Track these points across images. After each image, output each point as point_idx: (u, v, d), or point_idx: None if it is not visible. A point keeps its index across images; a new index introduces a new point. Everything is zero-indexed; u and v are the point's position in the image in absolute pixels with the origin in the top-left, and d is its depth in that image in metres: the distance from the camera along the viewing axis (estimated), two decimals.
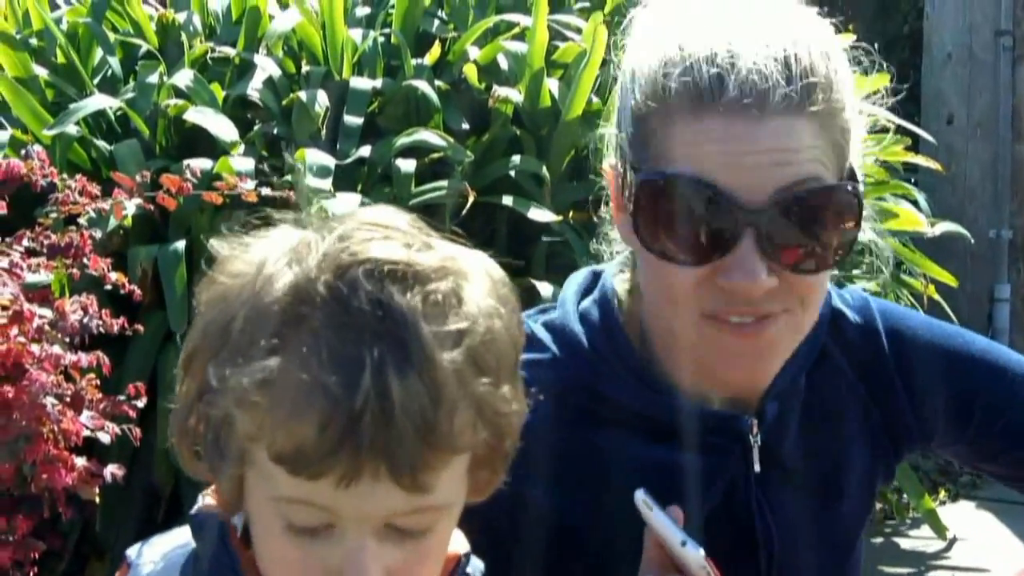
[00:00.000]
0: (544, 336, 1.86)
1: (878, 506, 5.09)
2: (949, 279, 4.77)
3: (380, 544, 1.31)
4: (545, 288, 3.85)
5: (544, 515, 1.82)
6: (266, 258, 1.32)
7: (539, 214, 4.12)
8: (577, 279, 1.93)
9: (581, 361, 1.83)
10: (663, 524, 1.64)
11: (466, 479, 1.38)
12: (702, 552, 1.61)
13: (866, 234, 1.84)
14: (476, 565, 1.53)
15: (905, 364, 1.94)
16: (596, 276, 1.91)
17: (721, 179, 1.65)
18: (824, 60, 1.69)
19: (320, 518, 1.30)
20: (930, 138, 5.72)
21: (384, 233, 1.32)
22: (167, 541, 1.48)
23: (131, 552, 1.48)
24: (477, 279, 1.34)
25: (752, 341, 1.71)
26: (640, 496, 1.65)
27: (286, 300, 1.28)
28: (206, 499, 1.44)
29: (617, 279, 1.88)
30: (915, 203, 4.77)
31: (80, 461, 2.79)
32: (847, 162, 1.72)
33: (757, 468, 1.83)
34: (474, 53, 4.63)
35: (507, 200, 4.19)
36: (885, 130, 4.91)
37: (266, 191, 3.53)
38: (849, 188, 1.70)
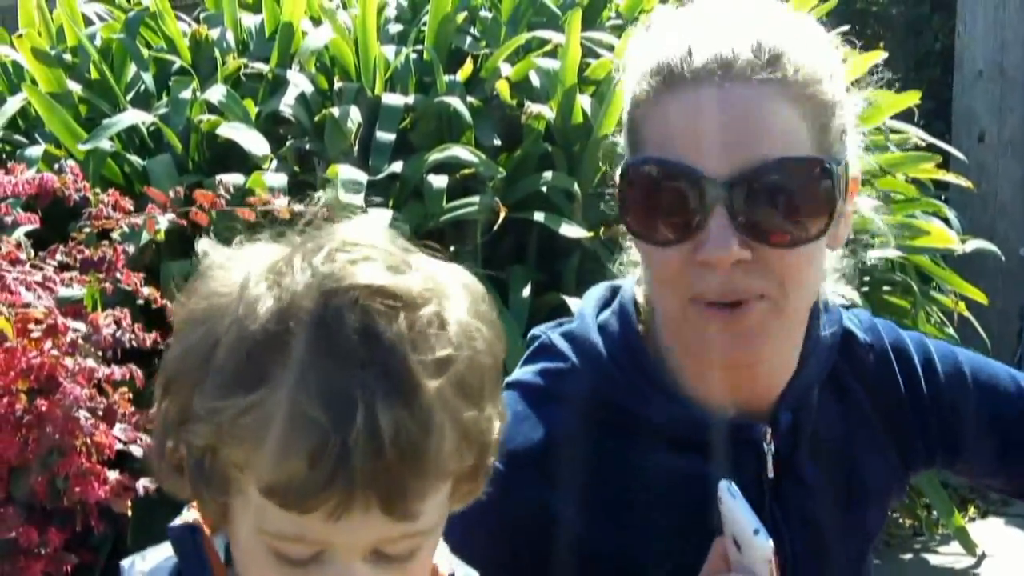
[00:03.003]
0: (563, 346, 1.86)
1: (908, 522, 5.08)
2: (979, 296, 4.76)
3: (368, 569, 1.31)
4: (576, 303, 3.82)
5: (567, 526, 1.83)
6: (247, 279, 1.30)
7: (570, 230, 4.13)
8: (596, 293, 1.94)
9: (600, 371, 1.84)
10: (742, 512, 1.64)
11: (447, 500, 1.37)
12: (771, 544, 1.62)
13: (859, 210, 1.86)
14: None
15: (915, 384, 1.96)
16: (615, 290, 1.92)
17: (691, 156, 1.66)
18: (799, 40, 1.70)
19: (309, 549, 1.29)
20: (961, 156, 5.70)
21: (366, 253, 1.30)
22: (159, 553, 1.46)
23: (124, 563, 1.47)
24: (458, 298, 1.33)
25: (733, 328, 1.71)
26: (724, 485, 1.66)
27: (270, 328, 1.26)
28: (188, 512, 1.42)
29: (635, 292, 1.89)
30: (946, 220, 4.76)
31: (113, 474, 2.79)
32: (833, 148, 1.72)
33: (771, 474, 1.84)
34: (506, 70, 4.64)
35: (538, 216, 4.20)
36: (916, 148, 4.93)
37: (299, 207, 3.55)
38: (822, 162, 1.69)
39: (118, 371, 2.93)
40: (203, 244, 1.37)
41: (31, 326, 2.87)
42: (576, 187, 4.27)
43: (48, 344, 2.85)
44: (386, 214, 3.91)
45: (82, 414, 2.76)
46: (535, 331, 1.92)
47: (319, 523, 1.26)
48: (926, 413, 1.97)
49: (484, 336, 1.32)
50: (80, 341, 2.89)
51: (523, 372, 1.89)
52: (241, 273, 1.31)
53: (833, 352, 1.89)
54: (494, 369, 1.35)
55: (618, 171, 1.77)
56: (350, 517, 1.26)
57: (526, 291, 4.04)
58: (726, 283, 1.69)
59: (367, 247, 1.31)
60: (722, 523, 1.68)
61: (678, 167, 1.67)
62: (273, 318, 1.26)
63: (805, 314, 1.82)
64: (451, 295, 1.32)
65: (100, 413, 2.78)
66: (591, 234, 4.15)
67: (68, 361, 2.83)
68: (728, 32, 1.70)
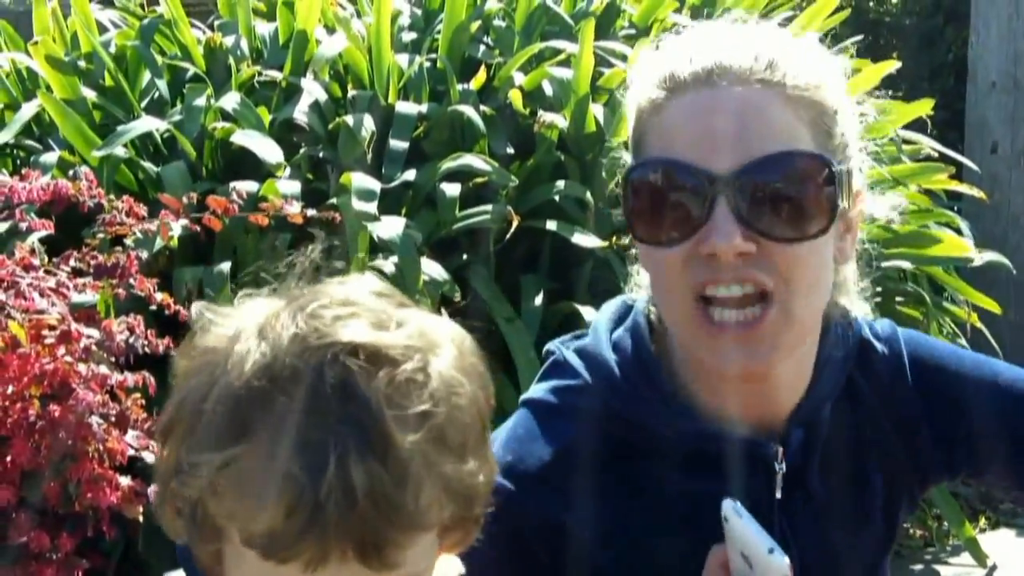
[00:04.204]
0: (576, 363, 1.87)
1: (918, 533, 5.07)
2: (992, 306, 4.75)
3: None
4: (588, 312, 3.86)
5: (577, 543, 1.83)
6: (238, 334, 1.34)
7: (583, 239, 4.13)
8: (610, 308, 1.94)
9: (612, 389, 1.84)
10: (752, 531, 1.64)
11: (436, 545, 1.39)
12: (787, 561, 1.62)
13: (872, 207, 1.86)
14: None
15: (930, 395, 1.95)
16: (629, 307, 1.92)
17: (692, 154, 1.68)
18: (796, 51, 1.73)
19: None
20: (974, 166, 5.70)
21: (352, 311, 1.33)
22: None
23: None
24: (444, 353, 1.35)
25: (747, 337, 1.71)
26: (729, 504, 1.66)
27: (254, 383, 1.29)
28: None
29: (648, 310, 1.89)
30: (958, 231, 4.75)
31: (124, 480, 2.80)
32: (835, 153, 1.73)
33: (779, 495, 1.84)
34: (519, 79, 4.64)
35: (551, 225, 4.20)
36: (929, 158, 4.92)
37: (312, 212, 3.56)
38: (823, 159, 1.71)
39: (131, 377, 2.93)
40: (198, 306, 1.41)
41: (45, 332, 2.88)
42: (589, 196, 4.27)
43: (61, 350, 2.86)
44: (399, 222, 3.91)
45: (95, 420, 2.77)
46: (550, 346, 1.93)
47: (298, 573, 1.29)
48: (944, 423, 1.95)
49: (467, 390, 1.35)
50: (93, 347, 2.90)
51: (536, 389, 1.89)
52: (233, 328, 1.35)
53: (846, 368, 1.89)
54: (478, 422, 1.37)
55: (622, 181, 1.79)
56: (326, 567, 1.28)
57: (538, 299, 4.05)
58: (731, 273, 1.70)
59: (354, 304, 1.34)
60: (726, 540, 1.69)
61: (679, 165, 1.69)
62: (258, 373, 1.29)
63: (814, 327, 1.82)
64: (437, 350, 1.35)
65: (112, 419, 2.79)
66: (604, 243, 4.15)
67: (81, 367, 2.84)
68: (728, 43, 1.73)
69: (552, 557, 1.82)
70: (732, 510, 1.66)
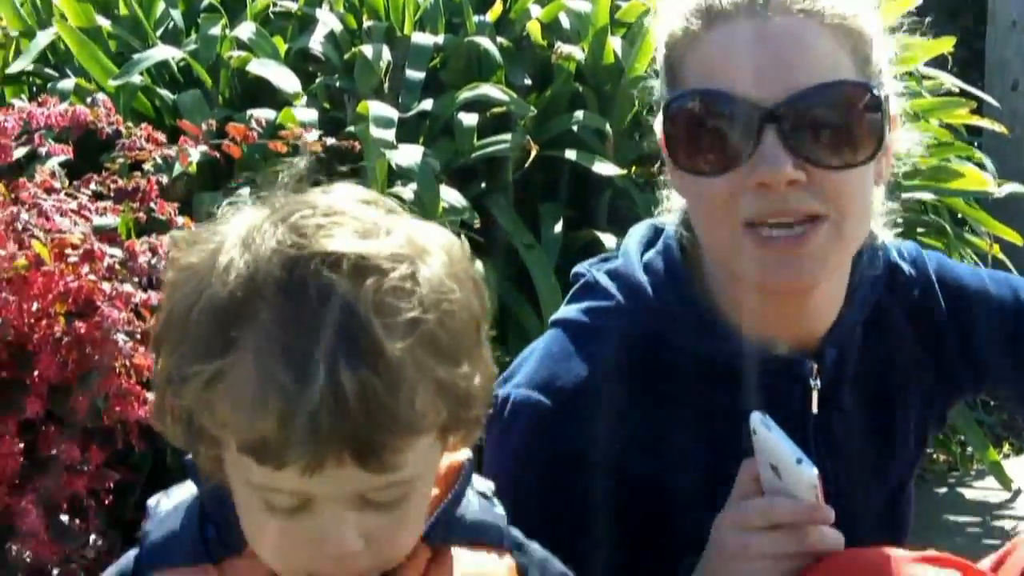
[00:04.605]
0: (608, 284, 1.88)
1: (942, 458, 5.09)
2: (1014, 237, 4.76)
3: (357, 513, 1.34)
4: (609, 239, 3.86)
5: (611, 461, 1.84)
6: (221, 245, 1.34)
7: (603, 167, 4.10)
8: (639, 232, 1.96)
9: (645, 309, 1.85)
10: (780, 443, 1.65)
11: (437, 447, 1.40)
12: (815, 472, 1.63)
13: (901, 142, 1.90)
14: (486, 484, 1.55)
15: (958, 312, 1.98)
16: (658, 231, 1.93)
17: (737, 86, 1.71)
18: None
19: (295, 499, 1.33)
20: (994, 102, 5.69)
21: (337, 220, 1.34)
22: (182, 491, 1.52)
23: (151, 502, 1.53)
24: (434, 260, 1.35)
25: (791, 249, 1.74)
26: (757, 417, 1.68)
27: (238, 294, 1.30)
28: None
29: (679, 232, 1.90)
30: (980, 165, 4.75)
31: (152, 395, 2.80)
32: (875, 79, 1.77)
33: (815, 410, 1.84)
34: (536, 11, 4.60)
35: (570, 154, 4.17)
36: (950, 93, 4.90)
37: (330, 141, 3.55)
38: (869, 87, 1.74)
39: (155, 296, 2.92)
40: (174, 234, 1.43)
41: (68, 251, 2.87)
42: (607, 127, 4.24)
43: (85, 269, 2.86)
44: (417, 150, 3.89)
45: (120, 337, 2.77)
46: (579, 268, 1.94)
47: (296, 477, 1.30)
48: (971, 337, 1.97)
49: (458, 296, 1.36)
50: (117, 266, 2.90)
51: (568, 310, 1.91)
52: (216, 240, 1.35)
53: (878, 288, 1.92)
54: (472, 327, 1.38)
55: (659, 111, 1.81)
56: (323, 472, 1.29)
57: (558, 227, 4.03)
58: (781, 203, 1.71)
59: (338, 213, 1.34)
60: (756, 453, 1.69)
61: (725, 96, 1.71)
62: (241, 285, 1.30)
63: (857, 246, 1.83)
64: (426, 257, 1.35)
65: (138, 336, 2.79)
66: (623, 172, 4.13)
67: (105, 285, 2.84)
68: None
69: (584, 472, 1.82)
70: (760, 422, 1.68)
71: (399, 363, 1.29)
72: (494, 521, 1.52)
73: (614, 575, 1.83)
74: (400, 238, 1.35)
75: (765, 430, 1.68)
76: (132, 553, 1.53)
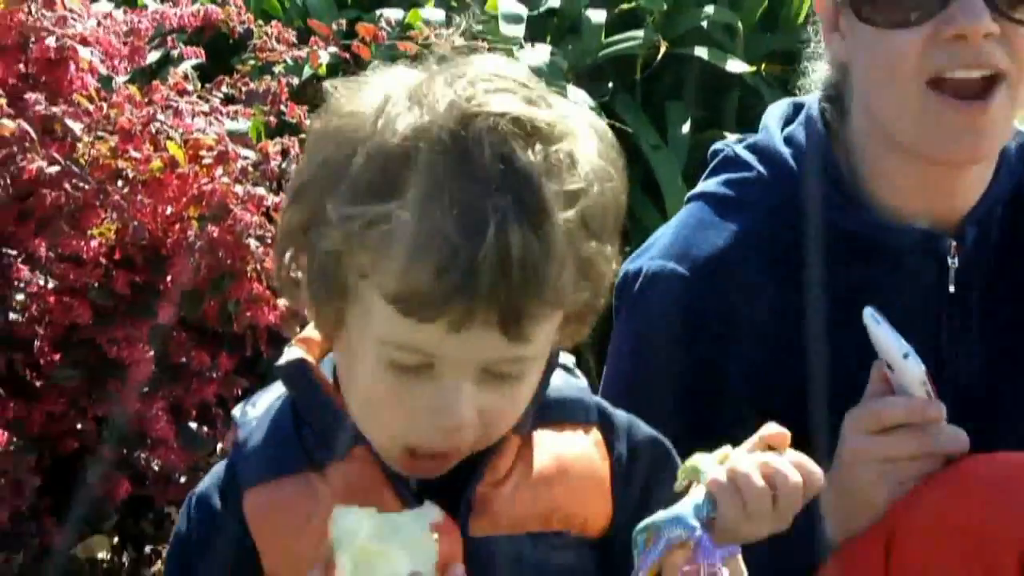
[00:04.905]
0: (749, 157, 1.88)
1: None
2: None
3: (475, 387, 1.35)
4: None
5: (749, 330, 1.85)
6: (387, 97, 1.35)
7: (733, 65, 4.06)
8: (779, 108, 1.96)
9: (787, 180, 1.85)
10: (889, 337, 1.66)
11: (557, 334, 1.41)
12: (923, 367, 1.62)
13: None
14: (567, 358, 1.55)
15: None
16: (797, 107, 1.92)
17: None
18: None
19: (421, 359, 1.34)
20: None
21: (506, 85, 1.35)
22: (268, 396, 1.53)
23: (235, 412, 1.54)
24: (588, 140, 1.37)
25: (973, 117, 1.74)
26: (868, 312, 1.68)
27: (409, 144, 1.31)
28: (291, 350, 1.48)
29: (823, 107, 1.89)
30: None
31: (282, 301, 2.83)
32: None
33: (952, 289, 1.82)
34: None
35: (700, 51, 4.13)
36: None
37: (460, 41, 3.53)
38: None
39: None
40: (331, 82, 1.42)
41: (202, 153, 2.89)
42: (738, 22, 4.18)
43: (219, 171, 2.88)
44: (545, 49, 3.88)
45: (252, 241, 2.79)
46: (717, 145, 1.93)
47: (438, 334, 1.31)
48: None
49: (613, 180, 1.38)
50: (250, 169, 2.92)
51: (707, 184, 1.91)
52: (379, 92, 1.36)
53: (1019, 169, 1.89)
54: (618, 211, 1.39)
55: None
56: (469, 331, 1.30)
57: (685, 128, 4.00)
58: (972, 56, 1.73)
59: (505, 79, 1.36)
60: (876, 350, 1.69)
61: None
62: (412, 134, 1.31)
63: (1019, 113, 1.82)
64: (582, 135, 1.36)
65: (269, 240, 2.80)
66: (752, 68, 4.08)
67: (238, 188, 2.86)
68: None
69: (719, 342, 1.83)
70: (871, 317, 1.69)
71: (559, 233, 1.31)
72: (578, 396, 1.52)
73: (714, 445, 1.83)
74: (562, 111, 1.37)
75: (875, 324, 1.68)
76: (222, 466, 1.52)
